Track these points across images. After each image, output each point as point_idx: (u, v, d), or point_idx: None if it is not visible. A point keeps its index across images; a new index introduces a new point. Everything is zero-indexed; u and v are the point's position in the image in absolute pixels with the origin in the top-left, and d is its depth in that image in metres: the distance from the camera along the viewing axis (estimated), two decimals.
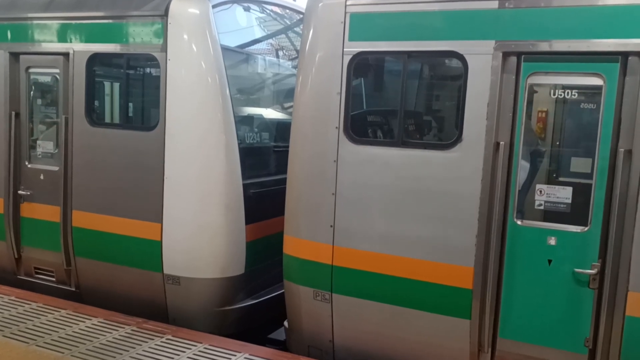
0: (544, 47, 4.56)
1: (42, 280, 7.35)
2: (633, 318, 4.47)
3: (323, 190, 5.41)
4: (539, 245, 4.71)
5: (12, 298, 6.69)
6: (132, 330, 5.94)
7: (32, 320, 6.06)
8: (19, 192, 7.27)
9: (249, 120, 6.99)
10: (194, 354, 5.43)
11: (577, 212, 4.62)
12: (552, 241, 4.67)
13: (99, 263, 6.75)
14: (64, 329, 5.88)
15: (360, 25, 5.21)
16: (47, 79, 7.32)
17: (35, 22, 7.01)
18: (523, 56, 4.66)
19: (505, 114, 4.72)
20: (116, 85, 7.25)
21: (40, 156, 7.28)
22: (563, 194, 4.69)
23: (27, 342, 5.56)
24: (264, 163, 6.96)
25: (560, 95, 4.75)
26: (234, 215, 6.20)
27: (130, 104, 6.98)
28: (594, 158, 4.52)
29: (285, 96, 7.93)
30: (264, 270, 6.66)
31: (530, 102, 4.80)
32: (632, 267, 4.42)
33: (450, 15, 4.87)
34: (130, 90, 6.96)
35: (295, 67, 7.08)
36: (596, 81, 4.49)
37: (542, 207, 4.76)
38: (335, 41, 5.28)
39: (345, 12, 5.23)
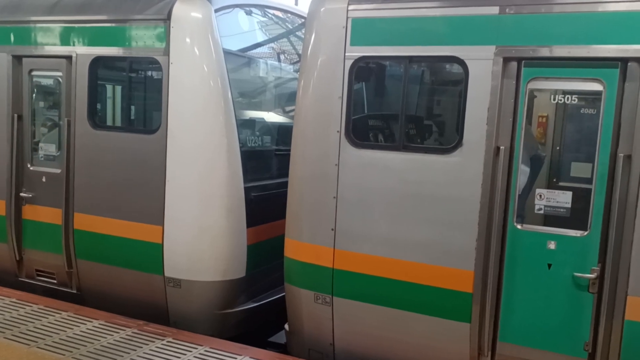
0: (544, 52, 4.59)
1: (43, 282, 7.36)
2: (632, 322, 4.49)
3: (324, 193, 5.43)
4: (539, 250, 4.73)
5: (14, 300, 6.70)
6: (133, 332, 5.96)
7: (34, 322, 6.08)
8: (21, 194, 7.28)
9: (250, 123, 7.02)
10: (195, 357, 5.45)
11: (576, 217, 4.64)
12: (552, 245, 4.69)
13: (100, 265, 6.77)
14: (65, 331, 5.90)
15: (362, 30, 5.24)
16: (50, 81, 7.34)
17: (38, 25, 7.03)
18: (523, 61, 4.68)
19: (506, 119, 4.75)
20: (118, 88, 7.28)
21: (42, 159, 7.29)
22: (563, 199, 4.70)
23: (29, 344, 5.57)
24: (265, 166, 6.97)
25: (561, 100, 4.78)
26: (236, 218, 6.22)
27: (133, 107, 7.01)
28: (593, 163, 4.55)
29: (286, 100, 7.96)
30: (265, 273, 6.67)
31: (530, 107, 4.83)
32: (632, 271, 4.44)
33: (451, 20, 4.90)
34: (133, 94, 6.99)
35: (296, 71, 7.11)
36: (596, 87, 4.52)
37: (542, 212, 4.78)
38: (337, 45, 5.31)
39: (347, 17, 5.27)
